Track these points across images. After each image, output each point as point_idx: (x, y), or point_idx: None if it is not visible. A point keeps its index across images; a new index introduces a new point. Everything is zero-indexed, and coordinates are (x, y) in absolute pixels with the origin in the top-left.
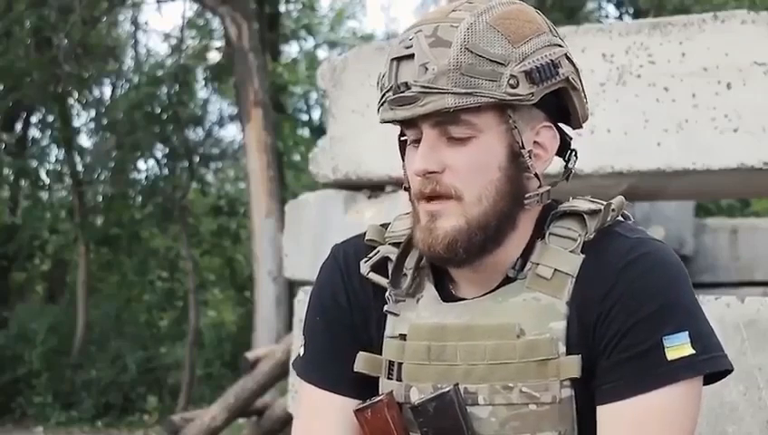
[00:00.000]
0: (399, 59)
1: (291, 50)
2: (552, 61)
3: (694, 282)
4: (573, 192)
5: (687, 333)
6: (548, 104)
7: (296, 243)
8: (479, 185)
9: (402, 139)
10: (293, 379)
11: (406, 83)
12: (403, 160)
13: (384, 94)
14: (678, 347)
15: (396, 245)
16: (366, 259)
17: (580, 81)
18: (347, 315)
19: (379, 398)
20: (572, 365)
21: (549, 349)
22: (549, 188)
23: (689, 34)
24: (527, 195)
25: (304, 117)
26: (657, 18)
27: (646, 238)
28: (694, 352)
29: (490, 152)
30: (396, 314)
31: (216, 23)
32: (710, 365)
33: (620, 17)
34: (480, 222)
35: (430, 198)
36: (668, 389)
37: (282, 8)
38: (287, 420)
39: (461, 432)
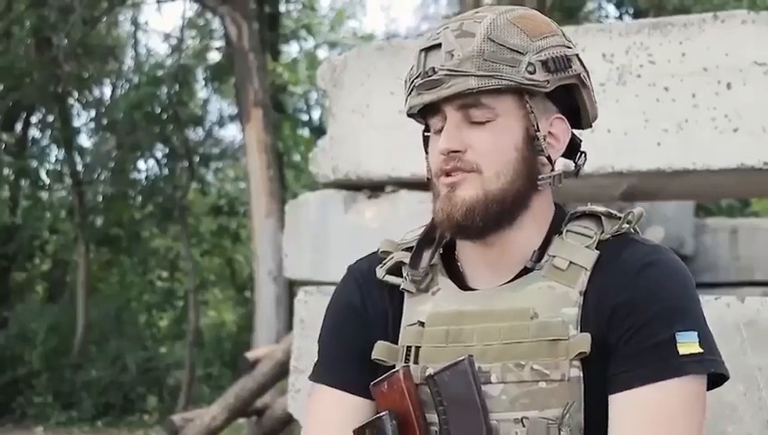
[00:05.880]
0: (427, 49)
1: (291, 50)
2: (565, 55)
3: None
4: (574, 192)
5: (696, 333)
6: (561, 100)
7: (296, 243)
8: (498, 163)
9: (426, 134)
10: (293, 379)
11: (433, 68)
12: (426, 153)
13: (412, 82)
14: (689, 344)
15: (409, 249)
16: (381, 265)
17: (590, 82)
18: (362, 319)
19: (395, 370)
20: (582, 342)
21: (560, 331)
22: (561, 172)
23: (689, 34)
24: (540, 176)
25: (304, 117)
26: (657, 18)
27: (661, 247)
28: (702, 350)
29: (508, 134)
30: (411, 293)
31: (216, 23)
32: (714, 365)
33: (620, 17)
34: (497, 196)
35: (451, 172)
36: (678, 381)
37: (282, 8)
38: (287, 420)
39: (474, 403)
